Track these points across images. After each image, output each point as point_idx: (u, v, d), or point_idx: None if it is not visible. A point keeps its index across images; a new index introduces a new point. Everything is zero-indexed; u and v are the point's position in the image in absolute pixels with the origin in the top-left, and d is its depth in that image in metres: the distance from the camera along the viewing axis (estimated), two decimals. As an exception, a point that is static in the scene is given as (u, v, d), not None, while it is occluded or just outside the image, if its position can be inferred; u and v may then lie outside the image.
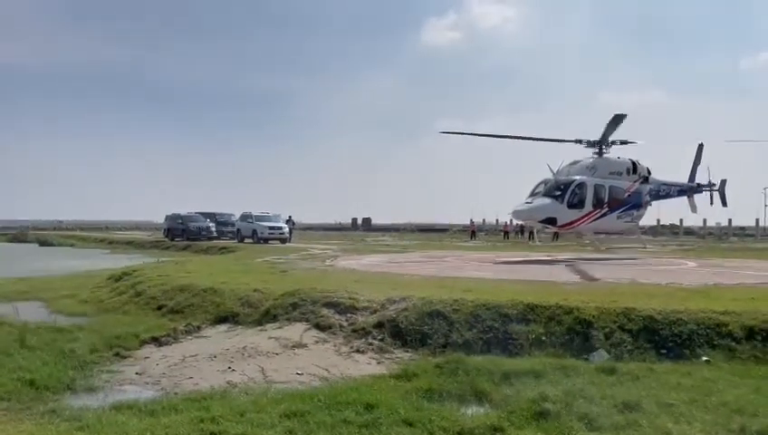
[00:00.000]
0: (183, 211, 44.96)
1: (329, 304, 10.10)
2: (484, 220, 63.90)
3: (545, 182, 19.91)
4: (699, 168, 24.49)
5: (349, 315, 9.77)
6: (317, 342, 9.05)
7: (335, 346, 8.85)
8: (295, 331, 9.46)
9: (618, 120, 19.21)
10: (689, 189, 24.36)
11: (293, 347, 8.75)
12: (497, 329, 8.72)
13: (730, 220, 56.63)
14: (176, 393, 6.70)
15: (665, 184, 22.98)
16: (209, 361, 8.14)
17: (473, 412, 5.93)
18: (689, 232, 58.45)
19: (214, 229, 42.10)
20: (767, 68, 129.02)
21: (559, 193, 19.37)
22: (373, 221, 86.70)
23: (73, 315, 11.79)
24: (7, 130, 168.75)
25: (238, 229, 39.25)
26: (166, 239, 42.83)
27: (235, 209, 44.93)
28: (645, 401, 5.90)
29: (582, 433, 5.21)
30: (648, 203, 22.20)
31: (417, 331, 8.92)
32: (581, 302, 9.17)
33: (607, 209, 20.12)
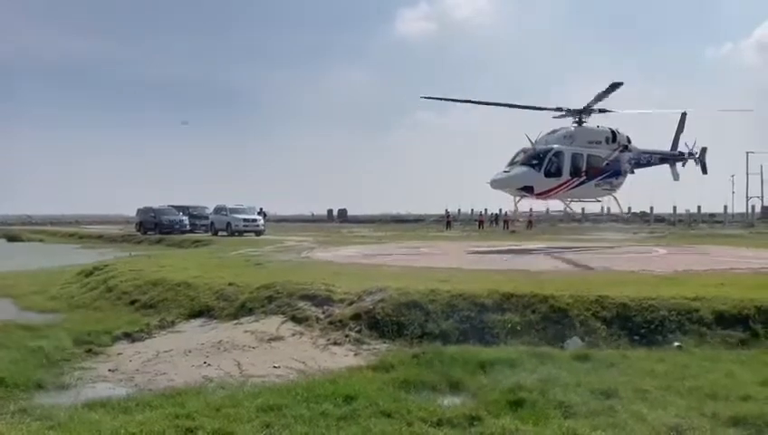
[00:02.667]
0: (155, 205, 44.34)
1: (305, 297, 10.04)
2: (459, 210, 64.32)
3: (524, 151, 20.02)
4: (681, 136, 24.53)
5: (325, 307, 9.72)
6: (294, 334, 8.99)
7: (312, 339, 8.80)
8: (272, 324, 9.39)
9: (614, 87, 19.24)
10: (671, 157, 24.51)
11: (270, 340, 8.68)
12: (473, 319, 8.76)
13: (699, 207, 57.99)
14: (150, 390, 6.59)
15: (646, 152, 23.07)
16: (184, 356, 8.03)
17: (450, 402, 5.94)
18: (660, 219, 59.60)
19: (187, 222, 41.61)
20: (730, 57, 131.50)
21: (536, 162, 19.51)
22: (349, 213, 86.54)
23: (44, 312, 11.55)
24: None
25: (212, 222, 38.84)
26: (138, 233, 42.19)
27: (208, 203, 44.47)
28: (620, 388, 5.97)
29: (558, 420, 5.25)
30: (629, 171, 22.26)
31: (393, 322, 8.91)
32: (556, 290, 9.25)
33: (585, 177, 20.24)
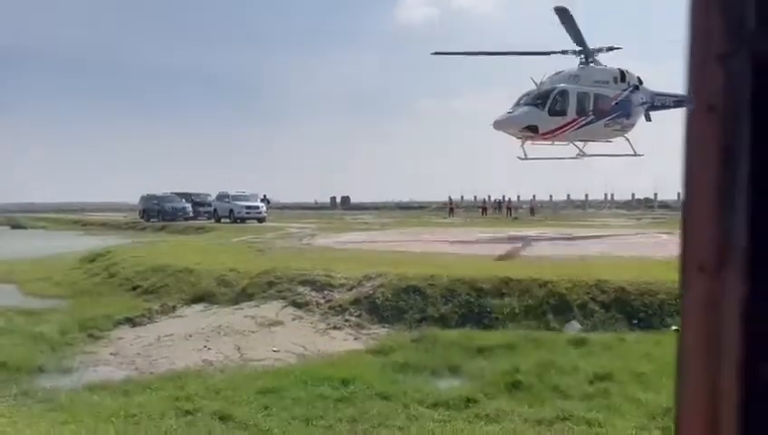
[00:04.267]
0: (159, 192, 44.39)
1: (306, 282, 10.09)
2: (462, 197, 64.25)
3: (528, 94, 19.61)
4: None
5: (326, 292, 9.78)
6: (294, 319, 9.05)
7: (312, 323, 8.87)
8: (272, 309, 9.45)
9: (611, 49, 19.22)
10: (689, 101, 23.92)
11: (270, 325, 8.75)
12: (472, 303, 8.80)
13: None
14: (151, 373, 6.68)
15: (660, 94, 22.14)
16: (185, 340, 8.10)
17: (447, 385, 6.00)
18: (664, 205, 59.44)
19: (190, 210, 41.60)
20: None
21: (540, 101, 19.02)
22: (352, 200, 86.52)
23: (47, 298, 11.64)
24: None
25: (215, 209, 38.83)
26: (141, 220, 42.26)
27: (211, 190, 44.47)
28: (616, 371, 6.02)
29: (554, 402, 5.30)
30: (641, 112, 21.65)
31: (393, 306, 8.97)
32: (555, 275, 9.28)
33: (592, 117, 19.65)
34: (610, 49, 20.07)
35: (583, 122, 19.49)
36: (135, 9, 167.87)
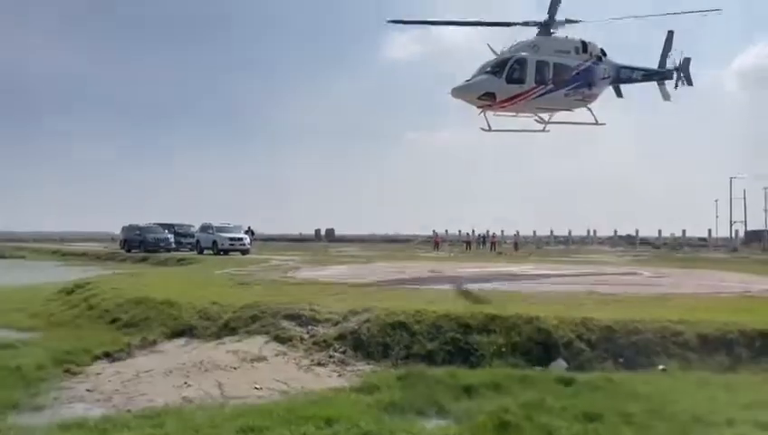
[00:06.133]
0: (142, 223, 43.98)
1: (289, 317, 9.94)
2: (446, 231, 64.43)
3: (487, 63, 19.45)
4: (669, 55, 23.54)
5: (310, 327, 9.63)
6: (277, 355, 8.88)
7: (295, 359, 8.70)
8: (255, 344, 9.27)
9: None
10: (656, 74, 23.22)
11: (252, 361, 8.57)
12: (459, 340, 8.71)
13: (684, 231, 58.53)
14: (128, 410, 6.46)
15: (626, 67, 22.20)
16: (164, 376, 7.89)
17: (434, 425, 5.87)
18: (645, 242, 60.06)
19: (172, 241, 41.25)
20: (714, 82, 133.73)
21: (498, 69, 18.89)
22: (337, 232, 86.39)
23: (23, 330, 11.31)
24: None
25: (198, 240, 38.50)
26: (122, 251, 41.76)
27: (194, 221, 44.14)
28: (604, 411, 5.94)
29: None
30: (605, 84, 21.41)
31: (379, 342, 8.84)
32: (541, 312, 9.23)
33: (552, 86, 19.52)
34: (570, 21, 20.02)
35: (542, 91, 19.36)
36: (110, 35, 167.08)
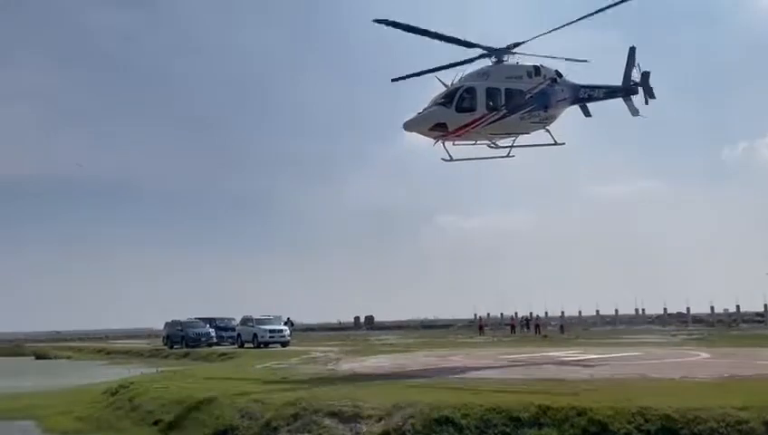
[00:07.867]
0: (183, 317, 44.42)
1: (331, 414, 9.70)
2: (488, 314, 63.21)
3: (438, 95, 19.30)
4: (633, 70, 23.22)
5: (353, 425, 9.36)
6: (320, 455, 8.61)
7: (339, 460, 8.41)
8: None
9: None
10: (621, 90, 22.66)
11: (295, 462, 8.31)
12: (509, 434, 8.33)
13: (738, 306, 55.92)
14: None
15: (585, 87, 21.87)
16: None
17: None
18: (697, 320, 57.60)
19: (213, 335, 41.40)
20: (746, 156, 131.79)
21: (447, 100, 18.78)
22: (376, 319, 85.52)
23: (67, 433, 11.33)
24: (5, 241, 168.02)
25: (239, 334, 38.59)
26: (165, 347, 42.00)
27: (236, 313, 44.42)
28: None
29: None
30: (563, 105, 21.08)
31: (424, 439, 8.51)
32: (594, 402, 8.81)
33: (505, 111, 19.41)
34: (517, 45, 20.10)
35: (495, 117, 19.31)
36: (153, 135, 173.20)
